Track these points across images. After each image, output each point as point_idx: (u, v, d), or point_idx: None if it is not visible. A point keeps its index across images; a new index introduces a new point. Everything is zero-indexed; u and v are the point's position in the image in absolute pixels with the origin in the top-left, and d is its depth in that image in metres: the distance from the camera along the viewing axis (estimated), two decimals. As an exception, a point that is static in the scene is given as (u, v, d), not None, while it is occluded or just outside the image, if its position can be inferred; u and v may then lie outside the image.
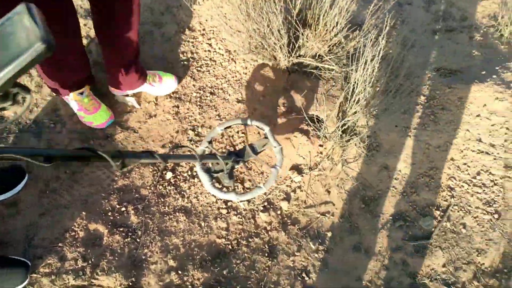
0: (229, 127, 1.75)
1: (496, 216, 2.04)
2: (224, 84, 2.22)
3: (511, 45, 2.50)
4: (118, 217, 1.85)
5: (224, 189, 1.81)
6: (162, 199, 1.93)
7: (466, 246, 1.98)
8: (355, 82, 1.88)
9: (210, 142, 1.69)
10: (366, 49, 1.82)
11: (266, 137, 1.72)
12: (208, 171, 1.59)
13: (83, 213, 1.83)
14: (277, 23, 1.95)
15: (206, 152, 1.69)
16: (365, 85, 1.87)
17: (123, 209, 1.87)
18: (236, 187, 1.97)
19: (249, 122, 1.72)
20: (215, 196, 1.94)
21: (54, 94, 2.07)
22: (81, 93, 1.92)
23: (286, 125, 2.11)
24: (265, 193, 2.00)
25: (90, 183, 1.92)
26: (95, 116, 1.98)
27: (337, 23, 2.06)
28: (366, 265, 1.89)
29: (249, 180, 2.00)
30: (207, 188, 1.58)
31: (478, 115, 2.19)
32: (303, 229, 1.95)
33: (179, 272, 1.77)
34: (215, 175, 1.59)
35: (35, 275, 1.69)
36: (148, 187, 1.94)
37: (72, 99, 1.93)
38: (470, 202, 2.05)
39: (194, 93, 2.18)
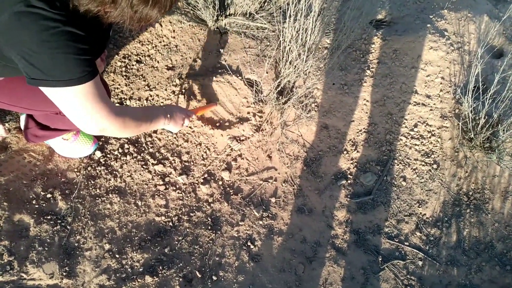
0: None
1: (435, 166, 2.07)
2: (151, 50, 2.06)
3: (444, -8, 2.48)
4: (44, 204, 1.71)
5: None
6: (92, 181, 1.79)
7: (407, 199, 2.01)
8: (288, 40, 1.79)
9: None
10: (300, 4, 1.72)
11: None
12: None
13: (5, 204, 1.67)
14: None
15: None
16: (298, 44, 1.78)
17: (49, 195, 1.72)
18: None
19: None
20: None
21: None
22: None
23: (222, 91, 2.00)
24: (204, 165, 1.92)
25: (9, 171, 1.74)
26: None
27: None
28: (311, 226, 1.88)
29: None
30: None
31: (413, 67, 2.18)
32: (246, 198, 1.90)
33: (117, 255, 1.67)
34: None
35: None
36: (75, 170, 1.80)
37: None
38: (409, 154, 2.07)
39: (119, 62, 2.00)
